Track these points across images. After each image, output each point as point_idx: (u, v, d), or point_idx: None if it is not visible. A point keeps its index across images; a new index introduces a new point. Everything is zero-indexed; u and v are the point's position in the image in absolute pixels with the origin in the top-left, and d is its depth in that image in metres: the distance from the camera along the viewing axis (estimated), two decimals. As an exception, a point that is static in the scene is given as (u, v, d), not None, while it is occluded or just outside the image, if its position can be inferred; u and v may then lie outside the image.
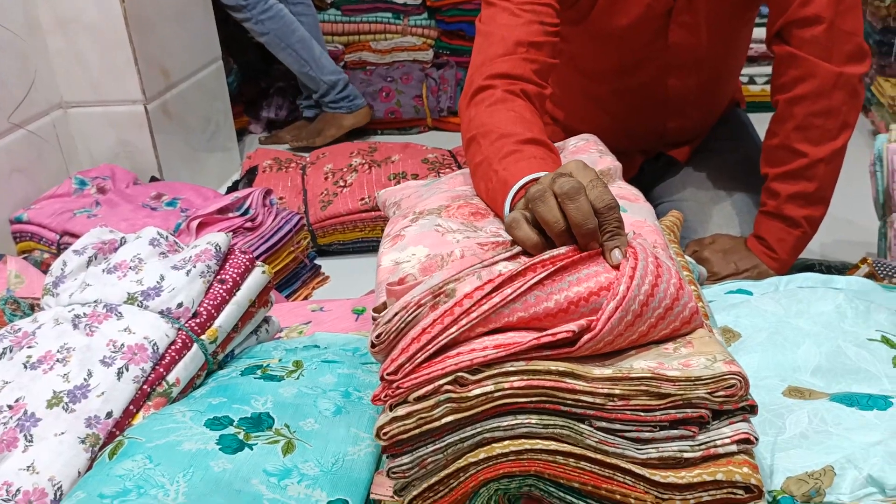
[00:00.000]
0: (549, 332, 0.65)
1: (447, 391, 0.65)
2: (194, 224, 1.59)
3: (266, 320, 1.16)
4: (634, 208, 0.91)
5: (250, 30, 2.73)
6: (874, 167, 1.53)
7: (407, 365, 0.66)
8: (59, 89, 2.03)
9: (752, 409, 0.66)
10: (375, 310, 0.72)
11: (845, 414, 0.75)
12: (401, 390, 0.67)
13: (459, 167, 2.12)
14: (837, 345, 0.89)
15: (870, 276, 1.20)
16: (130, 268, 1.04)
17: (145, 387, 0.93)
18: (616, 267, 0.68)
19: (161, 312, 0.99)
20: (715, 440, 0.64)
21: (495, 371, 0.65)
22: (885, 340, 0.90)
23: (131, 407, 0.91)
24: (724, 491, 0.63)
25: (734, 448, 0.64)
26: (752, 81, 2.88)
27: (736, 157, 1.58)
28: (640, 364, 0.66)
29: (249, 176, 2.12)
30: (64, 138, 2.03)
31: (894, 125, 1.54)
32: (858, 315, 0.95)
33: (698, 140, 1.62)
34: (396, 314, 0.68)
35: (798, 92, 1.31)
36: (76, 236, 1.70)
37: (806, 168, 1.34)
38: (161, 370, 0.95)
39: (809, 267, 1.53)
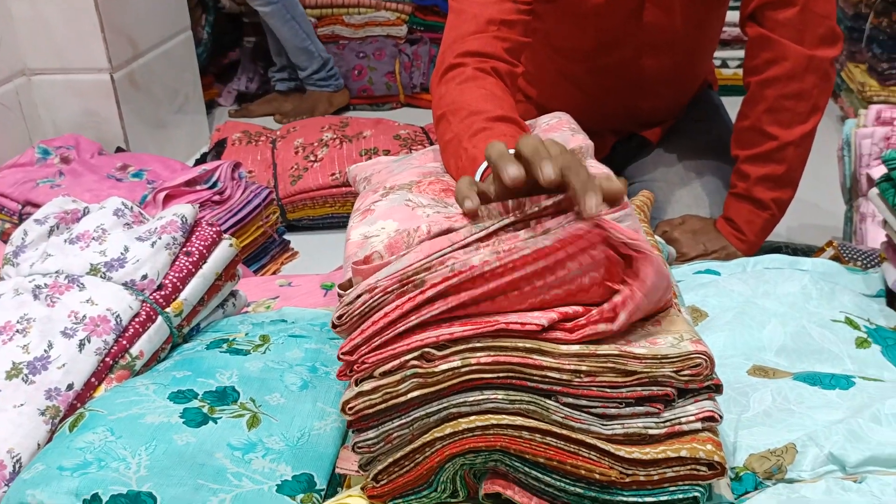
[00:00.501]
0: (518, 320, 0.65)
1: (413, 366, 0.65)
2: (161, 196, 1.57)
3: (233, 294, 1.15)
4: (605, 189, 0.91)
5: None
6: (842, 152, 1.55)
7: (364, 347, 0.66)
8: (23, 56, 1.98)
9: (718, 388, 0.66)
10: (341, 286, 0.71)
11: (808, 393, 0.76)
12: (366, 365, 0.66)
13: (432, 144, 2.11)
14: (802, 325, 0.90)
15: (835, 258, 1.21)
16: (94, 238, 1.02)
17: (108, 359, 0.92)
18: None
19: (125, 284, 0.98)
20: (680, 417, 0.65)
21: (462, 347, 0.65)
22: (849, 322, 0.91)
23: (93, 379, 0.90)
24: (688, 467, 0.63)
25: (699, 426, 0.64)
26: (724, 65, 2.89)
27: (707, 139, 1.59)
28: (607, 341, 0.66)
29: (218, 148, 2.09)
30: (27, 106, 1.99)
31: (863, 110, 1.56)
32: (823, 296, 0.96)
33: (670, 121, 1.62)
34: (360, 296, 0.67)
35: (770, 74, 1.32)
36: (38, 206, 1.65)
37: (776, 151, 1.35)
38: (124, 342, 0.94)
39: (776, 249, 1.54)
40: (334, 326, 0.68)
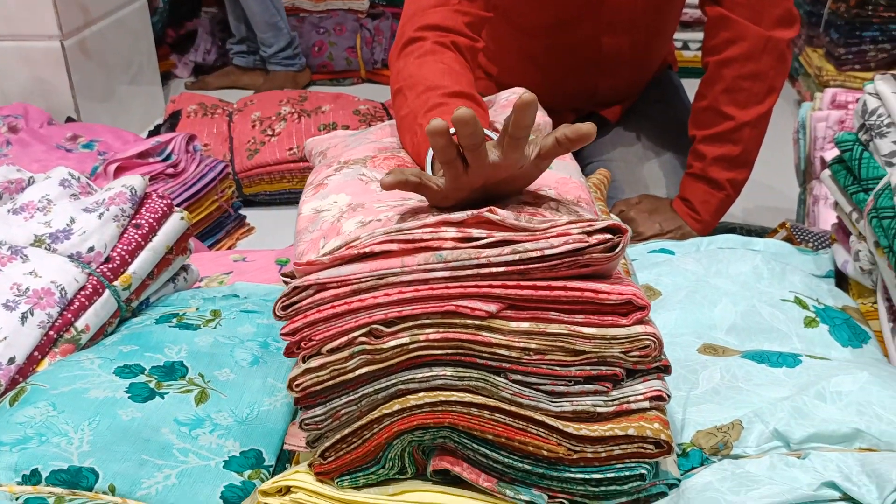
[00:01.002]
0: (469, 304, 0.64)
1: (362, 343, 0.64)
2: (112, 168, 1.53)
3: (184, 268, 1.13)
4: (560, 165, 0.90)
5: None
6: (797, 135, 1.56)
7: (306, 330, 0.66)
8: (-31, 21, 1.92)
9: (666, 369, 0.67)
10: (285, 274, 0.70)
11: (756, 371, 0.77)
12: (314, 342, 0.65)
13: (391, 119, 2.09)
14: (753, 304, 0.91)
15: (788, 240, 1.22)
16: (38, 209, 0.99)
17: (51, 333, 0.90)
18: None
19: (70, 256, 0.95)
20: (628, 396, 0.65)
21: (411, 323, 0.64)
22: (798, 301, 0.92)
23: (36, 353, 0.88)
24: (635, 445, 0.63)
25: (646, 404, 0.65)
26: (685, 47, 2.91)
27: (666, 120, 1.59)
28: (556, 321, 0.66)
29: (172, 120, 2.05)
30: (-26, 73, 1.93)
31: (819, 94, 1.57)
32: (774, 276, 0.97)
33: (630, 101, 1.62)
34: (307, 290, 0.66)
35: (728, 54, 1.33)
36: (-15, 176, 1.62)
37: (732, 131, 1.36)
38: (69, 316, 0.92)
39: (731, 230, 1.56)
40: (277, 317, 0.67)
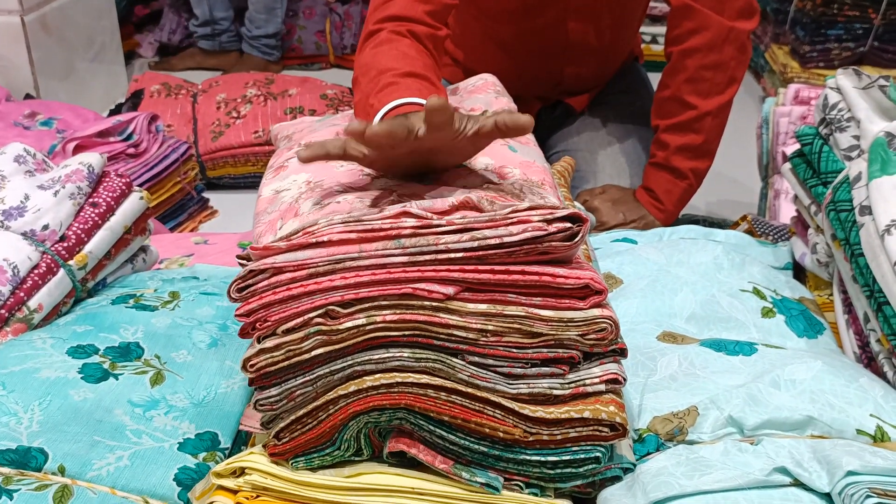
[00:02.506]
0: (426, 287, 0.64)
1: (317, 324, 0.64)
2: (71, 146, 1.50)
3: (143, 249, 1.12)
4: (524, 150, 0.90)
5: None
6: (761, 130, 1.58)
7: (261, 311, 0.65)
8: (-76, -7, 1.87)
9: (623, 353, 0.67)
10: (240, 256, 0.69)
11: (713, 358, 0.78)
12: (269, 323, 0.65)
13: (359, 105, 2.07)
14: (712, 294, 0.91)
15: (748, 232, 1.24)
16: (-9, 185, 0.97)
17: (2, 311, 0.88)
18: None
19: (24, 234, 0.94)
20: (584, 379, 0.65)
21: (367, 305, 0.64)
22: (756, 292, 0.93)
23: (-14, 332, 0.86)
24: (591, 428, 0.64)
25: (602, 387, 0.65)
26: (654, 41, 2.92)
27: (631, 110, 1.60)
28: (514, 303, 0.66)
29: (134, 99, 2.02)
30: (-72, 47, 1.88)
31: (782, 89, 1.59)
32: (734, 267, 0.98)
33: (596, 90, 1.63)
34: (261, 274, 0.66)
35: (691, 44, 1.34)
36: (-61, 153, 1.58)
37: (694, 120, 1.38)
38: (21, 294, 0.90)
39: (694, 222, 1.57)
40: (232, 299, 0.66)
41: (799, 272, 1.04)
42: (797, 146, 1.05)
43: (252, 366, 0.65)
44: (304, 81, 2.16)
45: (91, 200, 1.01)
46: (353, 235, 0.64)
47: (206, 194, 1.87)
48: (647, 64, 1.83)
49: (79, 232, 0.97)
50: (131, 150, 1.59)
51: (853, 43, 2.45)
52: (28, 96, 1.94)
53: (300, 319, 0.64)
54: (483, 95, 1.07)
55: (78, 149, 1.51)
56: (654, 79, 1.75)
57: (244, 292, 0.66)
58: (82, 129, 1.57)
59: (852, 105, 0.96)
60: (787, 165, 1.06)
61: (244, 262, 0.68)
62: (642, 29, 1.81)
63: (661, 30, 2.93)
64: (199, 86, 2.15)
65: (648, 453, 0.69)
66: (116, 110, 2.01)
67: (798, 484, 0.62)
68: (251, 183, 2.01)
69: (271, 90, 2.07)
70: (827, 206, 0.93)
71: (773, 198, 1.55)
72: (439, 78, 1.05)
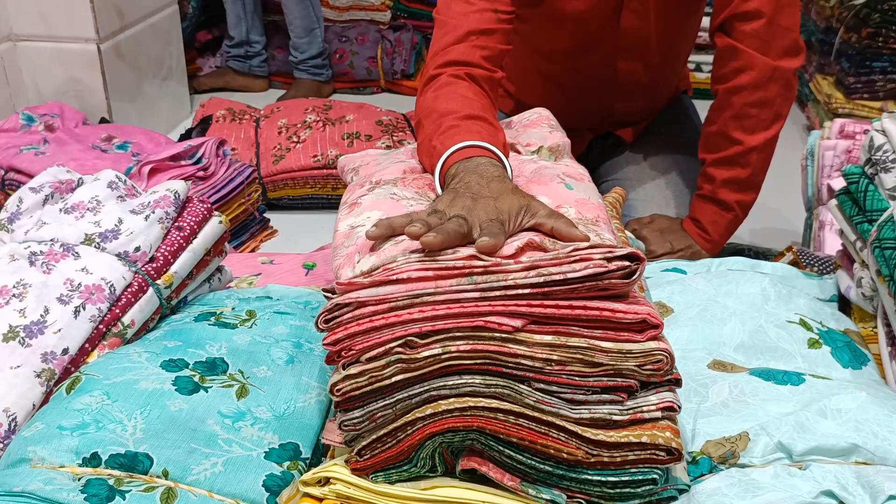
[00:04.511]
0: (496, 320, 0.69)
1: (397, 353, 0.70)
2: (146, 169, 1.59)
3: (219, 269, 1.18)
4: (580, 187, 0.95)
5: None
6: (806, 162, 1.61)
7: (346, 341, 0.71)
8: (9, 21, 1.98)
9: (677, 382, 0.72)
10: (326, 290, 0.76)
11: (762, 387, 0.82)
12: (353, 351, 0.71)
13: (412, 130, 2.15)
14: (760, 324, 0.96)
15: (794, 263, 1.27)
16: (88, 209, 1.05)
17: (101, 326, 0.95)
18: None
19: (118, 255, 1.01)
20: (642, 406, 0.70)
21: (443, 336, 0.70)
22: (803, 323, 0.97)
23: (87, 345, 0.93)
24: (648, 452, 0.69)
25: (659, 414, 0.70)
26: (698, 69, 2.96)
27: (678, 142, 1.64)
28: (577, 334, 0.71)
29: (203, 125, 2.11)
30: (12, 72, 1.99)
31: (828, 122, 1.62)
32: (781, 298, 1.02)
33: (645, 122, 1.67)
34: (346, 307, 0.72)
35: (737, 83, 1.38)
36: (22, 172, 1.67)
37: (740, 155, 1.41)
38: (117, 311, 0.97)
39: (739, 251, 1.61)
40: (320, 329, 0.73)
41: (844, 304, 1.07)
42: (841, 179, 1.09)
43: (338, 390, 0.72)
44: (360, 108, 2.23)
45: (177, 224, 1.08)
46: (429, 273, 0.71)
47: (266, 215, 1.95)
48: (694, 91, 1.88)
49: (166, 254, 1.05)
50: (201, 174, 1.68)
51: (898, 74, 2.47)
52: (103, 120, 2.04)
53: (382, 349, 0.70)
54: (538, 130, 1.12)
55: (152, 171, 1.60)
56: (700, 105, 1.80)
57: (330, 323, 0.73)
58: (156, 153, 1.66)
59: (898, 147, 1.00)
60: (834, 202, 1.10)
61: (330, 295, 0.74)
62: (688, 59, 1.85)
63: (705, 58, 2.96)
64: (262, 111, 2.24)
65: (702, 475, 0.73)
66: (187, 135, 2.11)
67: (843, 507, 0.67)
68: (308, 204, 2.09)
69: (329, 116, 2.15)
70: (872, 244, 0.97)
71: (819, 229, 1.58)
72: (496, 118, 1.12)
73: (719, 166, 1.44)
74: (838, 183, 1.12)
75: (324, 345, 0.72)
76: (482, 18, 1.22)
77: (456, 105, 1.07)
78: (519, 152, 1.08)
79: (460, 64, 1.18)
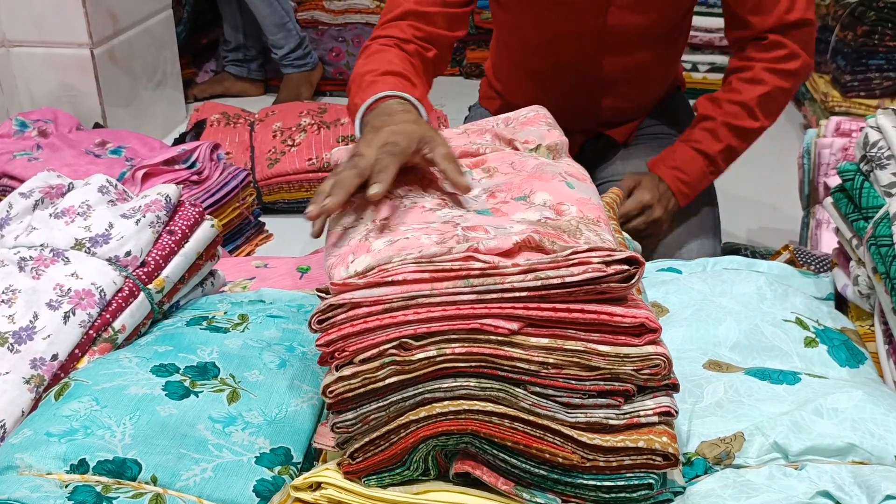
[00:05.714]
0: (492, 323, 0.69)
1: (392, 355, 0.69)
2: (139, 174, 1.58)
3: (212, 273, 1.18)
4: (581, 187, 0.94)
5: None
6: (802, 160, 1.61)
7: (340, 342, 0.71)
8: (2, 26, 1.98)
9: (675, 387, 0.71)
10: (320, 289, 0.75)
11: (757, 387, 0.81)
12: (346, 353, 0.70)
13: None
14: (755, 324, 0.95)
15: (790, 262, 1.27)
16: (79, 214, 1.04)
17: (91, 332, 0.94)
18: None
19: (109, 259, 1.00)
20: (638, 411, 0.69)
21: (438, 338, 0.69)
22: (799, 322, 0.96)
23: (77, 351, 0.92)
24: (644, 457, 0.68)
25: (655, 419, 0.69)
26: (694, 69, 2.96)
27: (673, 140, 1.63)
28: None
29: (197, 129, 2.11)
30: (5, 77, 1.98)
31: (824, 121, 1.62)
32: (777, 297, 1.01)
33: (636, 121, 1.66)
34: (340, 307, 0.71)
35: (789, 66, 1.42)
36: (14, 178, 1.67)
37: (755, 132, 1.46)
38: (107, 316, 0.96)
39: (735, 250, 1.60)
40: (313, 330, 0.72)
41: (841, 303, 1.07)
42: (838, 179, 1.08)
43: (331, 392, 0.71)
44: (354, 110, 2.23)
45: (168, 228, 1.07)
46: (425, 275, 0.70)
47: (261, 218, 1.94)
48: (689, 91, 1.87)
49: (157, 258, 1.04)
50: (195, 178, 1.67)
51: (894, 73, 2.46)
52: (97, 125, 2.03)
53: (376, 350, 0.69)
54: (535, 128, 1.11)
55: (146, 176, 1.59)
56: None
57: (324, 324, 0.72)
58: (149, 158, 1.65)
59: (892, 143, 0.99)
60: (829, 200, 1.09)
61: (323, 295, 0.74)
62: (683, 57, 1.84)
63: (701, 58, 2.96)
64: (257, 115, 2.24)
65: (697, 476, 0.73)
66: (181, 139, 2.10)
67: (840, 508, 0.66)
68: (304, 207, 2.06)
69: (324, 119, 2.15)
70: (868, 241, 0.96)
71: (815, 227, 1.57)
72: (424, 83, 1.21)
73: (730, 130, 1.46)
74: (835, 181, 1.12)
75: (317, 346, 0.71)
76: (421, 1, 1.29)
77: (377, 65, 1.15)
78: (517, 149, 1.07)
79: (392, 38, 1.26)
